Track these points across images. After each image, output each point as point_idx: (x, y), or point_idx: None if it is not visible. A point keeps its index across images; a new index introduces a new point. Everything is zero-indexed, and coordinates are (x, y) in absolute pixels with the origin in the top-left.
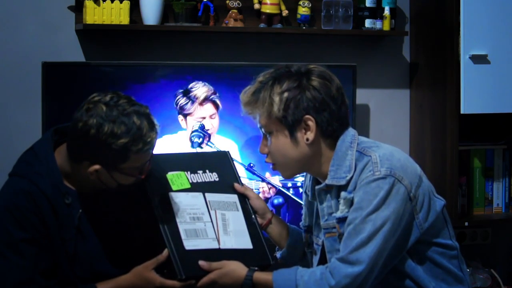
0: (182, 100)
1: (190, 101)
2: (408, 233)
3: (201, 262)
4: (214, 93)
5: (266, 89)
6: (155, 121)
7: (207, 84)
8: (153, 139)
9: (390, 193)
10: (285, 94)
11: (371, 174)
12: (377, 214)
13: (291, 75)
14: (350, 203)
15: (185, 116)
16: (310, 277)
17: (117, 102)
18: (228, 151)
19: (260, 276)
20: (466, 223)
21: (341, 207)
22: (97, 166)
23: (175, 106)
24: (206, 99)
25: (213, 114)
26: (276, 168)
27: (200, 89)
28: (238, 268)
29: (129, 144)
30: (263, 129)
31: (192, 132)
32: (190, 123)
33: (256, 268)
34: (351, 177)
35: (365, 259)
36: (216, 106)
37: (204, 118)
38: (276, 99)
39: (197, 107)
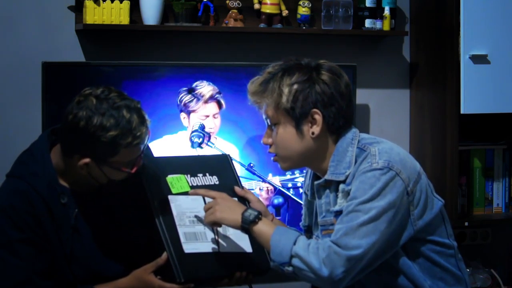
0: (186, 98)
1: (195, 99)
2: (401, 229)
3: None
4: (219, 92)
5: (275, 79)
6: (146, 116)
7: (211, 83)
8: (143, 134)
9: (387, 185)
10: (295, 86)
11: (368, 165)
12: (371, 204)
13: (301, 67)
14: (347, 195)
15: (188, 113)
16: (310, 241)
17: (107, 95)
18: (229, 155)
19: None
20: (466, 223)
21: (339, 200)
22: (87, 160)
23: (178, 103)
24: (211, 98)
25: (216, 114)
26: (276, 159)
27: (205, 88)
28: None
29: (118, 137)
30: (268, 120)
31: (192, 132)
32: (193, 121)
33: (254, 219)
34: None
35: (355, 245)
36: (219, 105)
37: (207, 116)
38: (286, 90)
39: (202, 105)
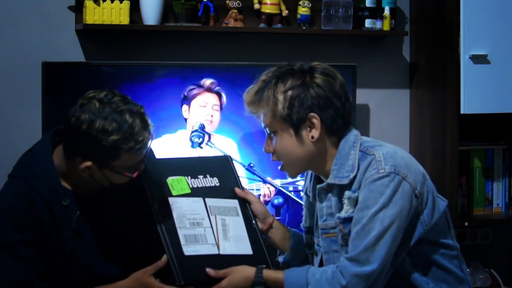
0: (189, 87)
1: (197, 86)
2: (412, 230)
3: (208, 270)
4: (218, 85)
5: (269, 88)
6: (149, 121)
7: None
8: (145, 139)
9: (396, 191)
10: (289, 93)
11: (375, 172)
12: (384, 213)
13: (294, 73)
14: (355, 202)
15: (189, 102)
16: (321, 276)
17: (111, 99)
18: (229, 156)
19: (271, 273)
20: (466, 223)
21: (345, 207)
22: (88, 163)
23: (182, 97)
24: (213, 87)
25: (215, 105)
26: (283, 167)
27: (207, 80)
28: (246, 269)
29: (119, 142)
30: (267, 129)
31: (192, 132)
32: (194, 111)
33: (263, 266)
34: (355, 176)
35: (376, 258)
36: (220, 98)
37: (207, 103)
38: (280, 97)
39: (203, 92)
